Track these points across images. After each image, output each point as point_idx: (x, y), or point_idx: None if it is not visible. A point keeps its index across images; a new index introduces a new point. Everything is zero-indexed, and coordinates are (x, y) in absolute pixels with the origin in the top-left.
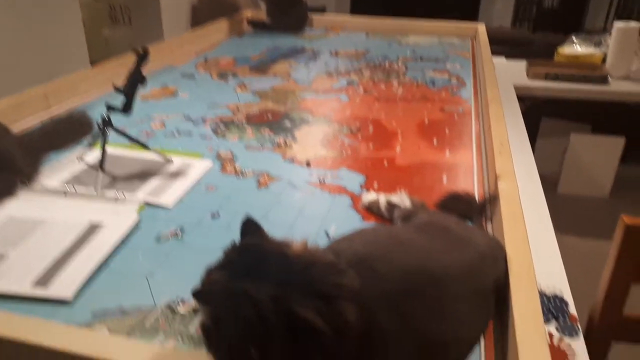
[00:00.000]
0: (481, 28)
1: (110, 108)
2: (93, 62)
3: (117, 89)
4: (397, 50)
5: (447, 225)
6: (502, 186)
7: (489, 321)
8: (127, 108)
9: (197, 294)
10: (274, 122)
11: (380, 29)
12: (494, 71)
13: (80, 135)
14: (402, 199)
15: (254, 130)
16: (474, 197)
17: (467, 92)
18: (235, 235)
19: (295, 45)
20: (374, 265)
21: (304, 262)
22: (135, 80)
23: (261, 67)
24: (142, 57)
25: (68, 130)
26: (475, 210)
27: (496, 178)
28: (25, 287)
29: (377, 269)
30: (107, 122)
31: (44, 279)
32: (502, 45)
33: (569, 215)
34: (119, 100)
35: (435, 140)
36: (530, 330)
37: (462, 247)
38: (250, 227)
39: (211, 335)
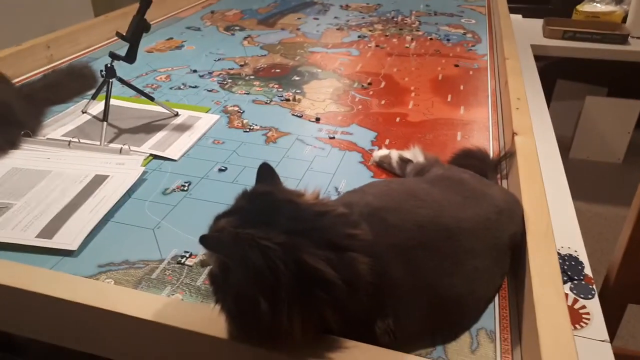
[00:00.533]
0: None
1: (114, 56)
2: (97, 15)
3: (120, 36)
4: (409, 4)
5: (462, 178)
6: (519, 142)
7: (504, 278)
8: (131, 56)
9: (204, 240)
10: (282, 76)
11: None
12: (512, 27)
13: (83, 88)
14: (415, 154)
15: (262, 84)
16: (488, 153)
17: (483, 48)
18: (242, 190)
19: None
20: (387, 217)
21: (315, 211)
22: (140, 27)
23: (269, 21)
24: (146, 3)
25: (71, 82)
26: (489, 166)
27: (513, 135)
28: (29, 237)
29: (389, 221)
30: (110, 72)
31: (49, 230)
32: (518, 2)
33: (581, 181)
34: (122, 51)
35: (449, 97)
36: (548, 290)
37: (477, 201)
38: (265, 173)
39: (218, 284)
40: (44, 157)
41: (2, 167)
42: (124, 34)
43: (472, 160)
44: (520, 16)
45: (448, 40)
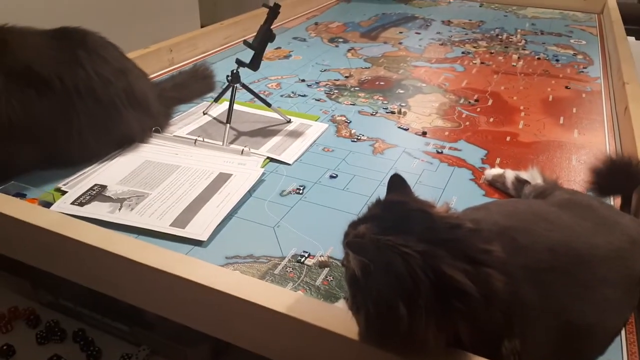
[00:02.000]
0: (611, 2)
1: (240, 63)
2: (203, 24)
3: (247, 44)
4: (514, 22)
5: (591, 204)
6: None
7: (632, 312)
8: (255, 64)
9: (350, 244)
10: (387, 89)
11: None
12: (630, 49)
13: (205, 89)
14: (533, 175)
15: (367, 95)
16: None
17: (595, 71)
18: (353, 197)
19: (405, 13)
20: (517, 238)
21: (450, 224)
22: (266, 37)
23: (371, 34)
24: (274, 12)
25: (195, 83)
26: (635, 179)
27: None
28: (164, 225)
29: (519, 241)
30: (236, 78)
31: (181, 220)
32: (630, 24)
33: None
34: (227, 58)
35: (561, 119)
36: None
37: (609, 229)
38: (397, 183)
39: (359, 286)
40: (173, 152)
41: (136, 159)
42: (251, 41)
43: (615, 168)
44: (633, 38)
45: (557, 60)
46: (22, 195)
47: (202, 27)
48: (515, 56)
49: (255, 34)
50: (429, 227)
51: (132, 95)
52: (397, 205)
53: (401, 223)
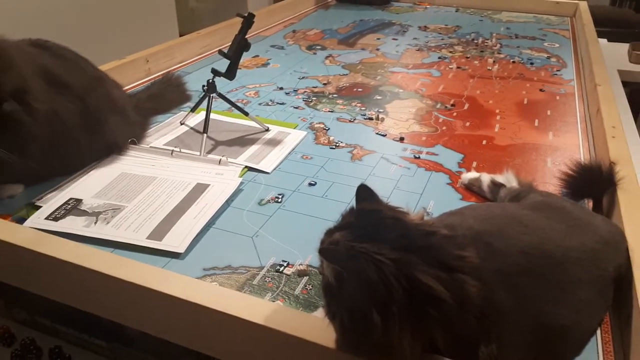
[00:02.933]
0: (583, 5)
1: (215, 73)
2: (181, 33)
3: (222, 54)
4: (489, 26)
5: (564, 206)
6: (619, 172)
7: (607, 312)
8: (231, 73)
9: (323, 251)
10: (364, 95)
11: (471, 4)
12: (601, 51)
13: (180, 99)
14: (508, 178)
15: (345, 102)
16: (601, 164)
17: (569, 73)
18: (331, 205)
19: (383, 19)
20: (491, 242)
21: (423, 231)
22: (241, 46)
23: (349, 40)
24: (248, 22)
25: (170, 93)
26: (606, 183)
27: (610, 164)
28: (141, 238)
29: (493, 245)
30: (212, 87)
31: (158, 232)
32: (601, 25)
33: None
34: (204, 67)
35: (536, 121)
36: None
37: (582, 230)
38: (364, 193)
39: (333, 294)
40: (149, 164)
41: (112, 171)
42: (226, 51)
43: (588, 174)
44: (605, 40)
45: (532, 64)
46: None
47: (180, 35)
48: (490, 60)
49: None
50: (402, 234)
51: (113, 103)
52: (371, 213)
53: (375, 231)
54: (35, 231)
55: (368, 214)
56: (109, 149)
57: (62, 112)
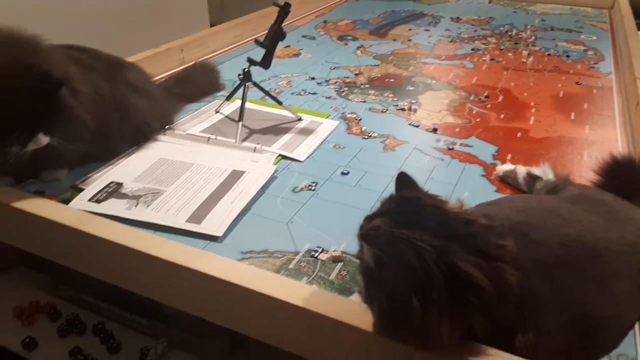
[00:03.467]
0: None
1: (251, 62)
2: (212, 23)
3: (258, 43)
4: (523, 18)
5: (604, 199)
6: None
7: None
8: (266, 62)
9: (364, 236)
10: (397, 86)
11: None
12: None
13: (210, 85)
14: (545, 171)
15: (377, 93)
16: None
17: (607, 66)
18: (365, 194)
19: (414, 10)
20: (529, 233)
21: (463, 219)
22: (277, 35)
23: (380, 31)
24: (284, 11)
25: (199, 78)
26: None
27: None
28: (180, 221)
29: (532, 236)
30: (248, 76)
31: (197, 216)
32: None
33: None
34: (237, 57)
35: (572, 114)
36: None
37: (622, 224)
38: (405, 181)
39: (373, 278)
40: (186, 150)
41: (151, 156)
42: (262, 40)
43: (624, 168)
44: None
45: (567, 56)
46: (40, 193)
47: (211, 26)
48: (525, 52)
49: (264, 32)
50: (443, 222)
51: (135, 86)
52: (411, 200)
53: (415, 218)
54: (81, 211)
55: (408, 201)
56: (139, 132)
57: (101, 94)
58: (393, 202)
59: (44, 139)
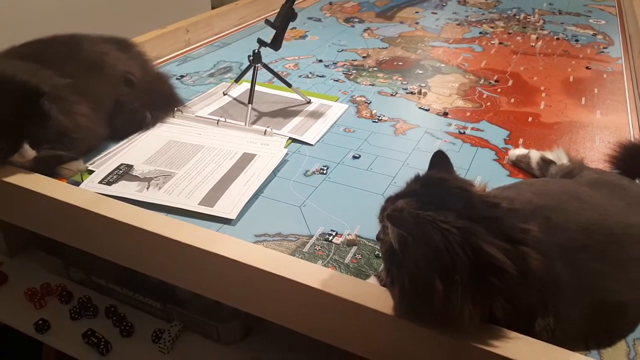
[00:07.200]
0: None
1: (261, 43)
2: (214, 6)
3: (269, 24)
4: (531, 2)
5: (622, 184)
6: None
7: None
8: (277, 43)
9: (390, 217)
10: (405, 69)
11: None
12: None
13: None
14: (559, 155)
15: (386, 76)
16: None
17: (616, 51)
18: (377, 178)
19: None
20: (550, 217)
21: (488, 202)
22: (288, 16)
23: (387, 13)
24: None
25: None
26: None
27: None
28: (193, 204)
29: (553, 220)
30: (257, 58)
31: (209, 199)
32: None
33: None
34: (242, 39)
35: (583, 99)
36: None
37: None
38: (440, 160)
39: (395, 260)
40: (196, 132)
41: (160, 139)
42: (273, 21)
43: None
44: None
45: (577, 40)
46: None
47: (212, 8)
48: (533, 36)
49: (271, 13)
50: (468, 204)
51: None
52: (437, 182)
53: (440, 199)
54: (94, 194)
55: (434, 183)
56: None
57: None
58: (418, 183)
59: (30, 152)
